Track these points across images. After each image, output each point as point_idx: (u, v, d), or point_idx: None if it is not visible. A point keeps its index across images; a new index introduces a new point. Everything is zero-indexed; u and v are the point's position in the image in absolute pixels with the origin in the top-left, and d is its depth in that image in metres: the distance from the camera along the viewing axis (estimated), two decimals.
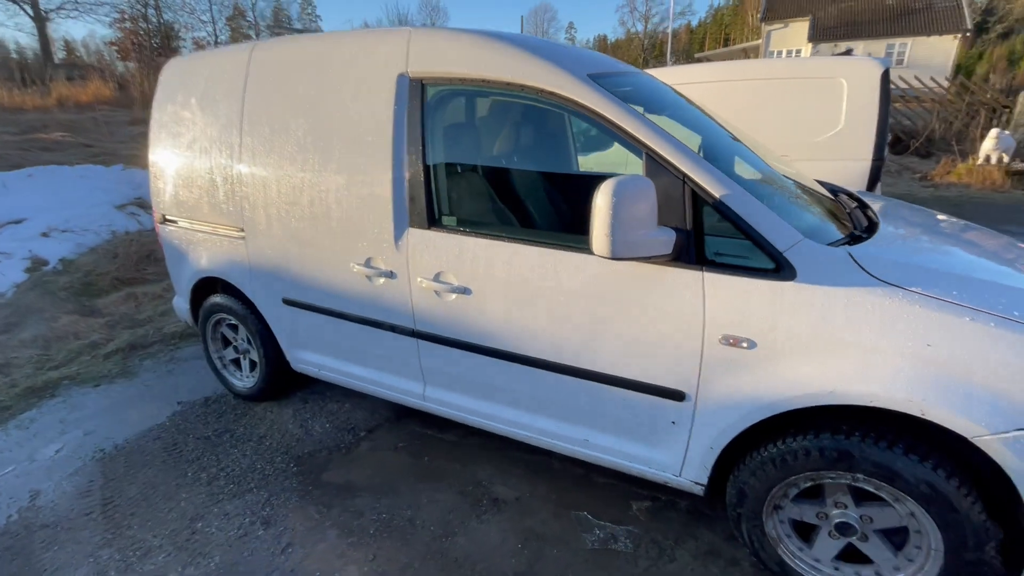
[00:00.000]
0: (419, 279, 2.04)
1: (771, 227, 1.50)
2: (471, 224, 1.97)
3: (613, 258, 1.48)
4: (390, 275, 2.11)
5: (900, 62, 23.34)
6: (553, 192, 2.27)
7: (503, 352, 1.96)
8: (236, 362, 3.03)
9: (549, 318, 1.82)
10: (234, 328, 2.93)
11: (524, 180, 2.20)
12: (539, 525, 2.04)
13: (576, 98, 1.70)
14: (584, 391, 1.85)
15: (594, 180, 1.65)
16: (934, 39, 22.59)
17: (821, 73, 3.85)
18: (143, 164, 3.58)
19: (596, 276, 1.71)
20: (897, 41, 23.46)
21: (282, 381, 2.85)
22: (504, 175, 2.19)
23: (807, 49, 25.28)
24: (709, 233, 1.57)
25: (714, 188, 1.53)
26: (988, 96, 11.29)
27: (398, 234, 2.06)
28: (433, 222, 2.01)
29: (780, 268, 1.48)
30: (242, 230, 2.53)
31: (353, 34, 2.21)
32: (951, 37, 22.36)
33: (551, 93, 1.75)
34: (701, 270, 1.57)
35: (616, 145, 1.76)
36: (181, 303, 3.08)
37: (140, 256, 5.22)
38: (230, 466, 2.42)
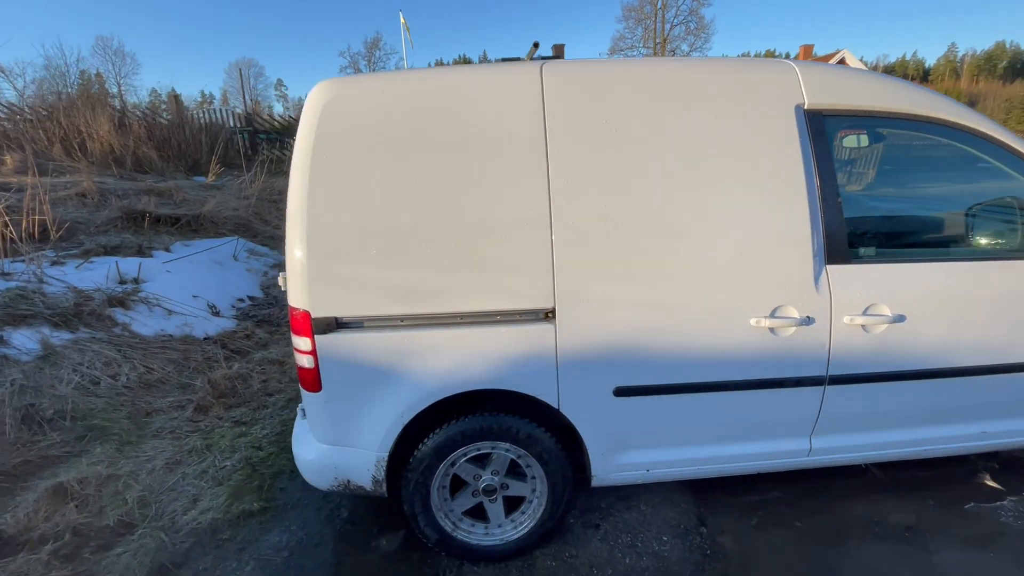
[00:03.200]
0: (846, 318, 1.90)
1: None
2: (894, 252, 1.97)
3: None
4: (806, 321, 1.89)
5: None
6: (957, 211, 2.25)
7: (929, 371, 1.99)
8: (475, 512, 2.06)
9: (979, 326, 1.97)
10: (480, 461, 2.01)
11: (930, 203, 2.27)
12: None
13: (981, 128, 1.95)
14: (1000, 386, 2.05)
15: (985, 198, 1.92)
16: None
17: None
18: None
19: None
20: None
21: (563, 515, 2.07)
22: (911, 200, 2.23)
23: None
24: None
25: None
26: None
27: (817, 274, 1.88)
28: (853, 256, 1.91)
29: None
30: (550, 311, 1.83)
31: (713, 62, 1.93)
32: None
33: (955, 124, 1.95)
34: None
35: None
36: (359, 458, 1.93)
37: None
38: None
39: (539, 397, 1.89)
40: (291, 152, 1.88)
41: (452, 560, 2.06)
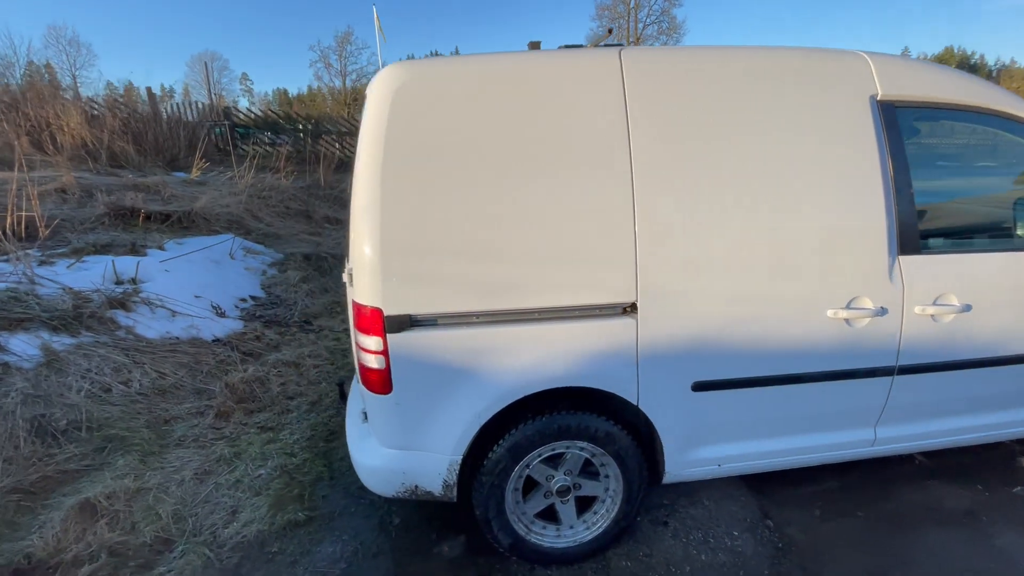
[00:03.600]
0: (917, 308, 1.91)
1: None
2: (962, 243, 1.99)
3: None
4: (880, 312, 1.89)
5: None
6: (1019, 203, 2.24)
7: (992, 359, 2.03)
8: (545, 514, 2.00)
9: (1013, 317, 2.01)
10: (552, 462, 1.94)
11: (993, 193, 2.29)
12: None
13: None
14: (1009, 378, 2.10)
15: None
16: None
17: None
18: None
19: None
20: None
21: (636, 513, 2.03)
22: (974, 190, 2.24)
23: None
24: None
25: None
26: None
27: (891, 265, 1.88)
28: (923, 247, 1.93)
29: None
30: (631, 305, 1.77)
31: (789, 51, 1.90)
32: None
33: (1016, 117, 1.98)
34: None
35: None
36: (429, 462, 1.84)
37: None
38: None
39: (618, 394, 1.84)
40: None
41: (523, 564, 1.99)
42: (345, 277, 1.86)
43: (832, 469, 2.39)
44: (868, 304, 1.88)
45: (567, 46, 2.03)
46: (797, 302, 1.87)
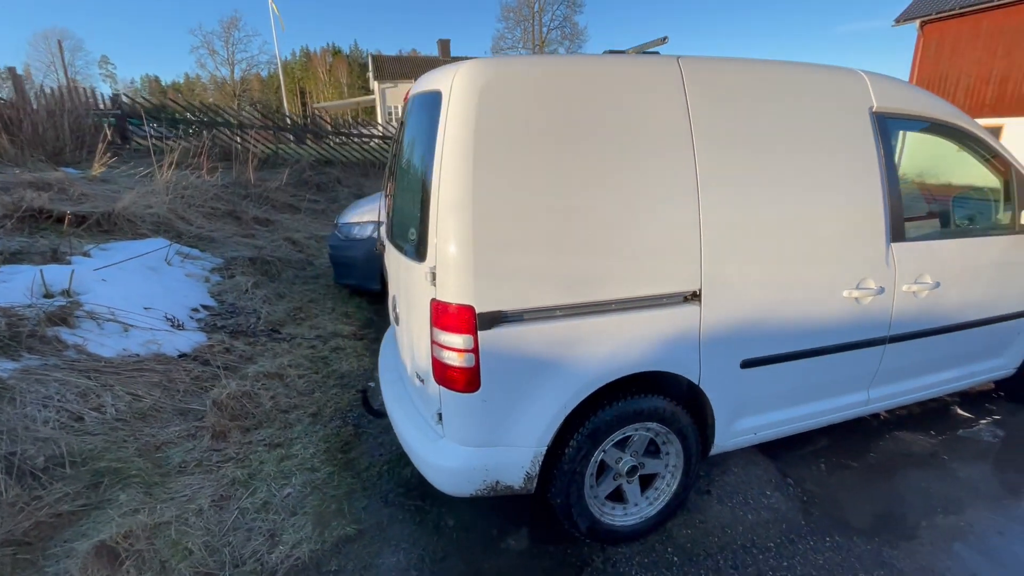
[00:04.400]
0: (904, 286, 2.29)
1: None
2: (932, 231, 2.39)
3: None
4: (880, 291, 2.24)
5: None
6: (967, 197, 2.76)
7: (953, 326, 2.48)
8: (613, 495, 2.09)
9: (981, 289, 2.49)
10: (621, 445, 2.05)
11: (946, 191, 2.68)
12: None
13: (978, 133, 2.46)
14: (988, 333, 2.61)
15: (979, 189, 2.47)
16: None
17: None
18: None
19: (1012, 245, 2.52)
20: None
21: (692, 485, 2.19)
22: (935, 188, 2.62)
23: None
24: None
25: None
26: None
27: (887, 251, 2.23)
28: (905, 235, 2.30)
29: None
30: (694, 293, 1.93)
31: (804, 68, 2.15)
32: None
33: (964, 131, 2.44)
34: None
35: None
36: (514, 456, 1.86)
37: None
38: None
39: (684, 375, 1.99)
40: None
41: (593, 545, 2.08)
42: (425, 275, 1.80)
43: (820, 431, 2.76)
44: (872, 284, 2.22)
45: (611, 51, 2.14)
46: (821, 286, 2.15)
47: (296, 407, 3.11)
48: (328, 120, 14.47)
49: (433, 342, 1.83)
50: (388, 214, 2.37)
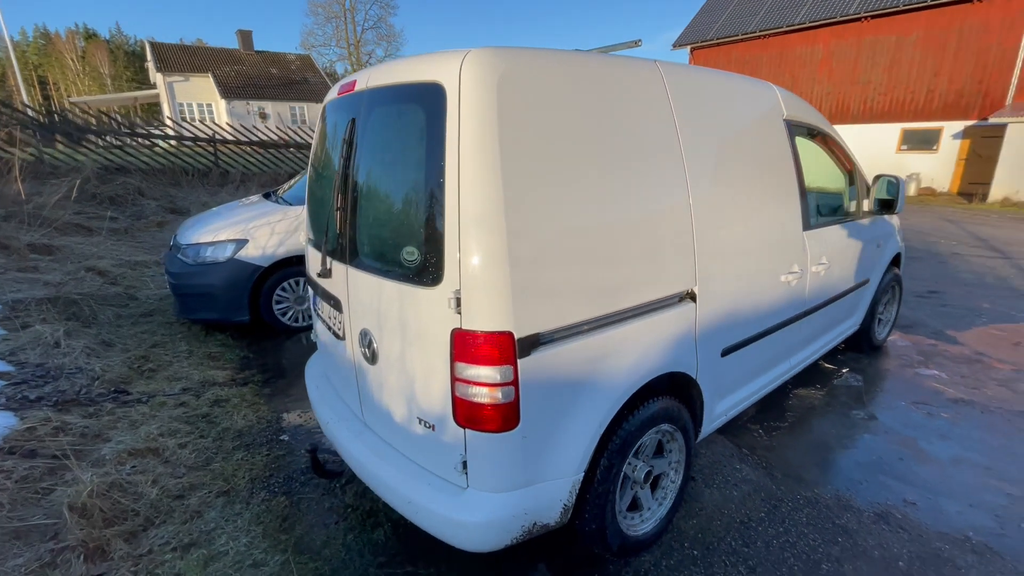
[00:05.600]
0: (813, 267, 2.68)
1: None
2: (820, 220, 2.83)
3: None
4: (801, 273, 2.59)
5: (303, 120, 28.61)
6: (833, 191, 3.15)
7: (833, 297, 2.99)
8: (631, 505, 2.02)
9: (844, 265, 3.06)
10: (636, 453, 1.99)
11: (822, 187, 3.06)
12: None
13: (836, 138, 3.01)
14: (845, 302, 3.22)
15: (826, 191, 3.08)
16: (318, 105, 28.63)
17: None
18: None
19: (858, 228, 3.14)
20: (297, 105, 28.27)
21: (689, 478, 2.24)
22: (815, 184, 3.00)
23: (222, 104, 26.17)
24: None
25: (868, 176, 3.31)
26: None
27: (802, 240, 2.59)
28: (811, 225, 2.69)
29: None
30: (691, 292, 1.98)
31: (740, 79, 2.34)
32: None
33: (829, 135, 2.95)
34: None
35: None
36: (552, 490, 1.67)
37: None
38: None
39: (687, 371, 2.03)
40: None
41: (617, 562, 2.00)
42: (448, 300, 1.50)
43: None
44: (796, 268, 2.56)
45: (602, 48, 2.09)
46: (769, 272, 2.40)
47: (195, 488, 2.40)
48: (91, 116, 11.51)
49: (456, 379, 1.54)
50: (339, 230, 1.94)
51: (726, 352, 2.23)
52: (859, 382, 3.44)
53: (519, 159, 1.48)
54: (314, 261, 2.19)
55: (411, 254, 1.61)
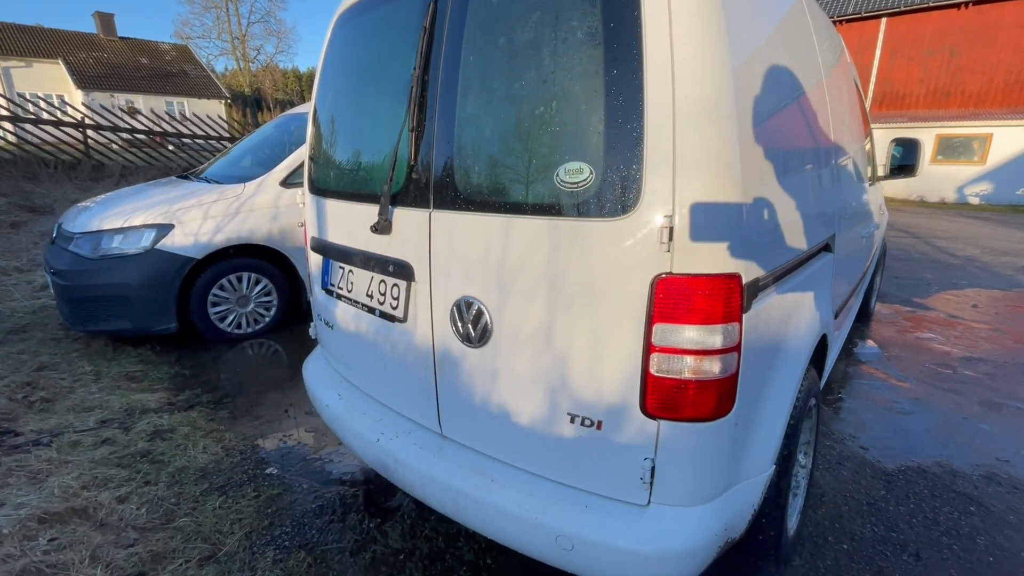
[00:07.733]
0: (877, 221, 2.55)
1: None
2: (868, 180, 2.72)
3: None
4: (875, 228, 2.44)
5: (184, 116, 25.36)
6: None
7: (877, 256, 2.91)
8: None
9: (878, 229, 3.01)
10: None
11: None
12: None
13: (861, 92, 2.93)
14: (871, 269, 3.19)
15: None
16: (204, 101, 25.56)
17: None
18: None
19: None
20: (175, 99, 24.92)
21: None
22: None
23: (78, 96, 22.35)
24: None
25: None
26: None
27: (869, 192, 2.44)
28: (872, 181, 2.55)
29: None
30: (829, 242, 1.69)
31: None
32: (218, 101, 26.10)
33: (857, 86, 2.86)
34: None
35: None
36: (748, 491, 1.25)
37: None
38: None
39: (828, 332, 1.73)
40: None
41: (775, 572, 1.63)
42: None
43: None
44: (876, 220, 2.40)
45: None
46: (863, 224, 2.20)
47: (161, 559, 1.63)
48: None
49: (654, 349, 1.07)
50: (413, 161, 1.35)
51: (836, 313, 1.98)
52: (876, 348, 3.44)
53: (745, 33, 1.06)
54: (343, 220, 1.57)
55: (577, 173, 1.10)
